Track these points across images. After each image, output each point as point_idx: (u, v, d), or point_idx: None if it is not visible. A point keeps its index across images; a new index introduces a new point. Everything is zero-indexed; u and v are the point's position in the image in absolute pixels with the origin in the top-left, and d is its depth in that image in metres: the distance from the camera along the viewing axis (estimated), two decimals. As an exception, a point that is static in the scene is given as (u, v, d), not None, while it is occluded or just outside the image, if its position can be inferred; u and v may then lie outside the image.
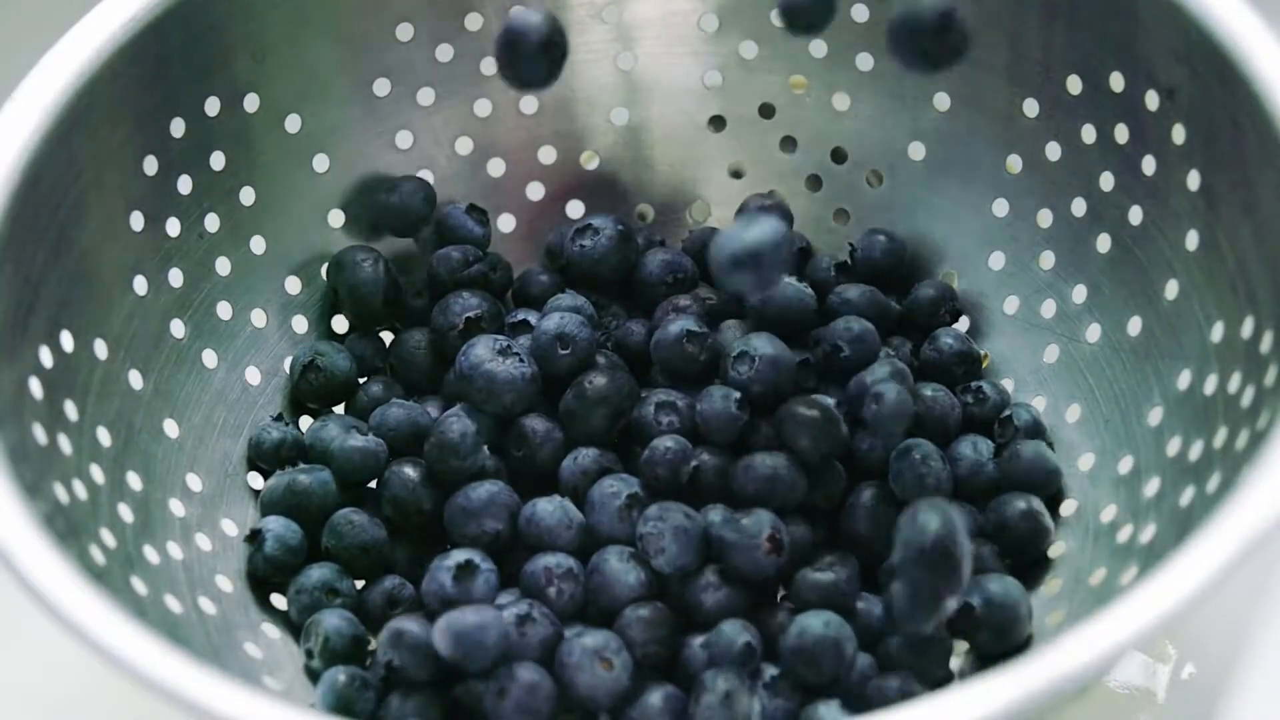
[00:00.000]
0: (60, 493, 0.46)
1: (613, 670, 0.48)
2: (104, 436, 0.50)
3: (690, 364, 0.55)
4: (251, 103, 0.56)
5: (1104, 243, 0.55)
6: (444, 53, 0.60)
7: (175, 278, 0.55)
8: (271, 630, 0.52)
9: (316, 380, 0.58)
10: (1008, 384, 0.57)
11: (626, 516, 0.52)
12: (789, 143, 0.62)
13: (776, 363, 0.54)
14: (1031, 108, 0.56)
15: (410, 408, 0.56)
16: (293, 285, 0.59)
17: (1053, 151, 0.56)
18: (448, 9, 0.59)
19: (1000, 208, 0.58)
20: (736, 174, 0.63)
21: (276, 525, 0.53)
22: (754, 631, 0.49)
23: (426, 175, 0.61)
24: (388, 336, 0.60)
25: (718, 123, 0.63)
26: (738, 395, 0.54)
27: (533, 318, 0.58)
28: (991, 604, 0.50)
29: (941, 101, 0.58)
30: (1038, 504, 0.53)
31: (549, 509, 0.52)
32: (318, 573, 0.53)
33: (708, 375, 0.56)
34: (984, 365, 0.58)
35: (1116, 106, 0.53)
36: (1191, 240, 0.51)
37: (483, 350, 0.55)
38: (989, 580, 0.50)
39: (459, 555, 0.51)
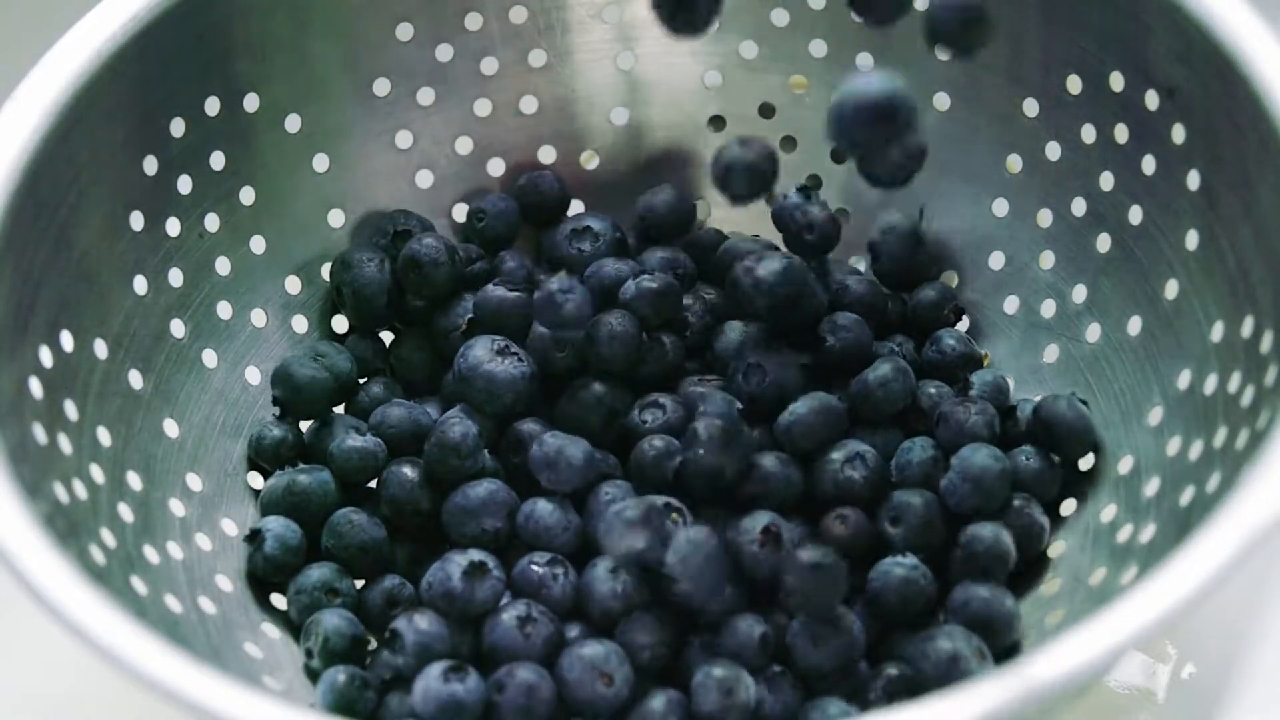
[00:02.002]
0: (60, 493, 0.46)
1: (613, 685, 0.48)
2: (104, 436, 0.50)
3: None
4: (251, 103, 0.56)
5: (1104, 243, 0.55)
6: (444, 53, 0.60)
7: (175, 278, 0.55)
8: (271, 630, 0.52)
9: (316, 381, 0.57)
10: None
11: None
12: (789, 143, 0.62)
13: (784, 385, 0.54)
14: (1031, 108, 0.56)
15: (411, 407, 0.56)
16: (293, 285, 0.59)
17: (1053, 151, 0.56)
18: (448, 9, 0.59)
19: (1000, 208, 0.58)
20: (737, 174, 0.63)
21: (276, 525, 0.53)
22: (767, 624, 0.49)
23: (426, 175, 0.61)
24: (388, 337, 0.60)
25: (718, 123, 0.62)
26: (738, 403, 0.53)
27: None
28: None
29: (941, 101, 0.58)
30: None
31: (549, 508, 0.52)
32: (317, 573, 0.53)
33: None
34: (984, 365, 0.58)
35: (1116, 106, 0.53)
36: (1191, 240, 0.51)
37: (481, 351, 0.55)
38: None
39: (475, 555, 0.50)
